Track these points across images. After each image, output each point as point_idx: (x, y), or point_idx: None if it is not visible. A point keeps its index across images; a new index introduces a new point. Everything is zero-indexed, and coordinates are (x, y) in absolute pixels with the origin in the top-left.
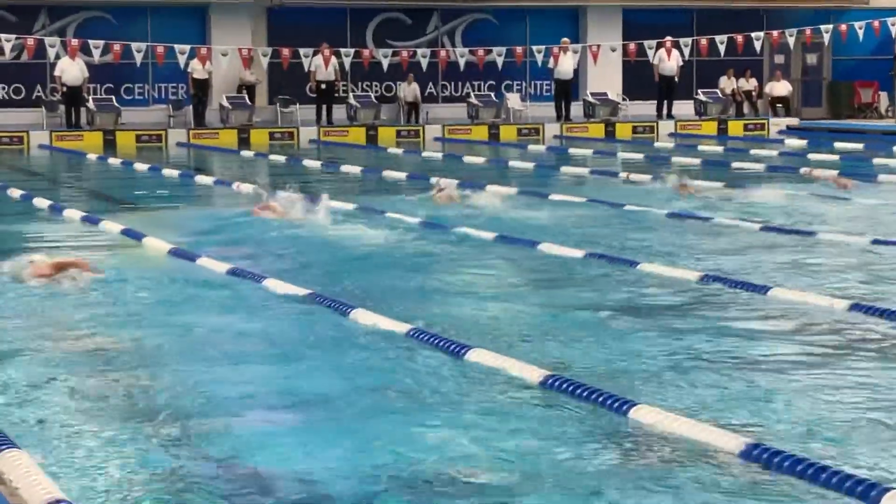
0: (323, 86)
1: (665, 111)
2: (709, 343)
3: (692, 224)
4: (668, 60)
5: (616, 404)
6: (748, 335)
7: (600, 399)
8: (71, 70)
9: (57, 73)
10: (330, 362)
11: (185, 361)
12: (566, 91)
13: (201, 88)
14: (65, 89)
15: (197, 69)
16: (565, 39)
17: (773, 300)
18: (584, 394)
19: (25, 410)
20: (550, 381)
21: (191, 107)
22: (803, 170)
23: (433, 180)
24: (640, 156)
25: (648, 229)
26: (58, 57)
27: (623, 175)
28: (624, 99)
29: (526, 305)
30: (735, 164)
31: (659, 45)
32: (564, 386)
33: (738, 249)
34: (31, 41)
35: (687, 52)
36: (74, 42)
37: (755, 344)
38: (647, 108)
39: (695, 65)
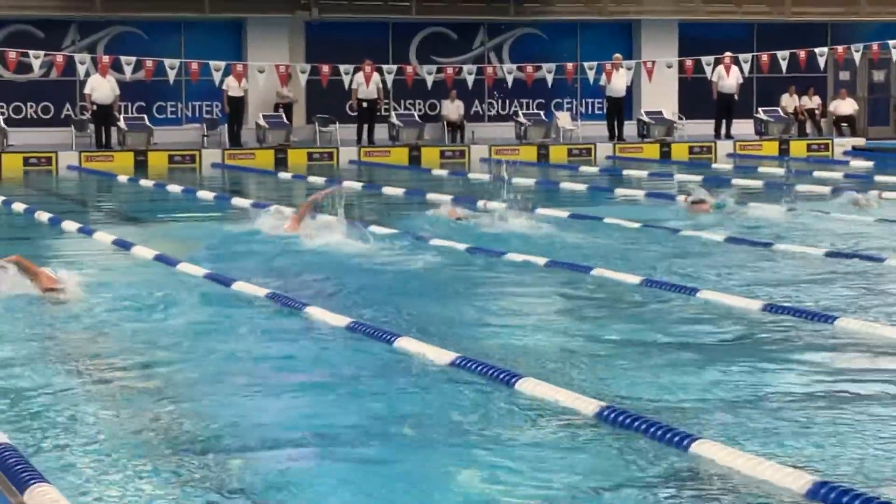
0: (365, 104)
1: (724, 131)
2: (771, 376)
3: (752, 250)
4: (727, 77)
5: (676, 438)
6: (812, 368)
7: (659, 433)
8: (101, 88)
9: (87, 91)
10: (373, 393)
11: (222, 391)
12: (619, 110)
13: (236, 107)
14: (94, 108)
15: (232, 86)
16: (617, 56)
17: (840, 331)
18: (643, 427)
19: (54, 442)
20: (606, 412)
21: (226, 126)
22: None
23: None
24: (697, 177)
25: (707, 255)
26: (88, 74)
27: (682, 198)
28: (680, 118)
29: (579, 333)
30: (798, 187)
31: (717, 61)
32: (621, 418)
33: (802, 277)
34: (60, 58)
35: (747, 68)
36: (105, 59)
37: (820, 377)
38: (703, 127)
39: (755, 82)
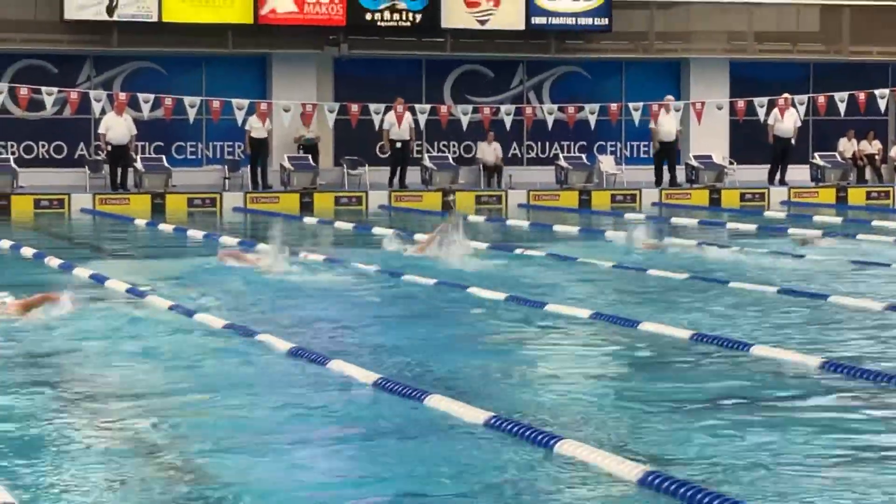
0: (398, 145)
1: (778, 177)
2: (827, 438)
3: (807, 303)
4: (783, 120)
5: None
6: (872, 428)
7: (707, 500)
8: (117, 127)
9: (101, 130)
10: (402, 454)
11: (242, 447)
12: (669, 153)
13: (259, 148)
14: (109, 148)
15: (255, 126)
16: (669, 97)
17: None
18: (689, 493)
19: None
20: (650, 478)
21: (247, 168)
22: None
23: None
24: (750, 226)
25: (758, 307)
26: (103, 112)
27: (735, 249)
28: (731, 162)
29: (623, 392)
30: (857, 236)
31: (771, 103)
32: (666, 484)
33: (862, 332)
34: (74, 94)
35: (802, 110)
36: (122, 96)
37: (880, 439)
38: (756, 173)
39: (811, 125)
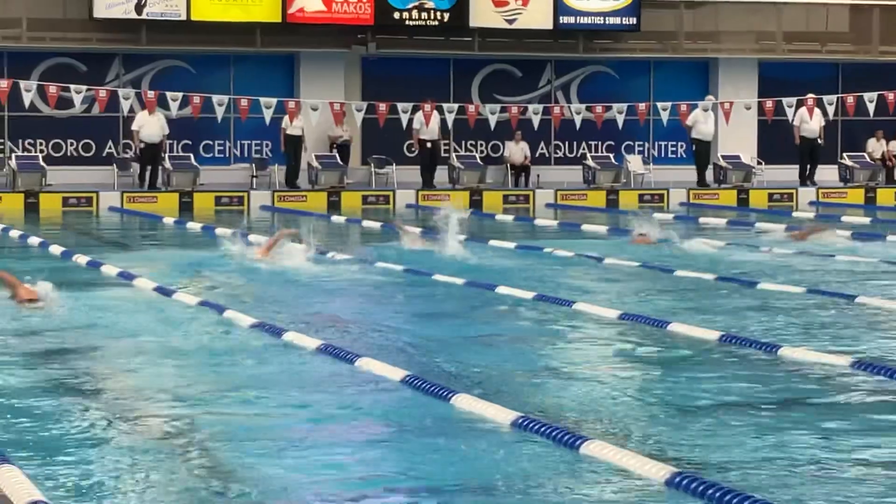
0: (428, 144)
1: (807, 177)
2: (857, 438)
3: (837, 303)
4: (810, 120)
5: None
6: None
7: (735, 501)
8: (150, 125)
9: (134, 128)
10: (429, 453)
11: (269, 445)
12: (706, 154)
13: (294, 146)
14: (142, 146)
15: (291, 124)
16: (710, 97)
17: None
18: (717, 494)
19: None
20: (678, 479)
21: (276, 166)
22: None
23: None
24: (778, 226)
25: (788, 308)
26: (132, 110)
27: (765, 250)
28: (759, 162)
29: (650, 392)
30: (887, 237)
31: (799, 103)
32: (694, 485)
33: (891, 332)
34: (102, 93)
35: (831, 110)
36: (150, 94)
37: None
38: (784, 173)
39: (839, 125)
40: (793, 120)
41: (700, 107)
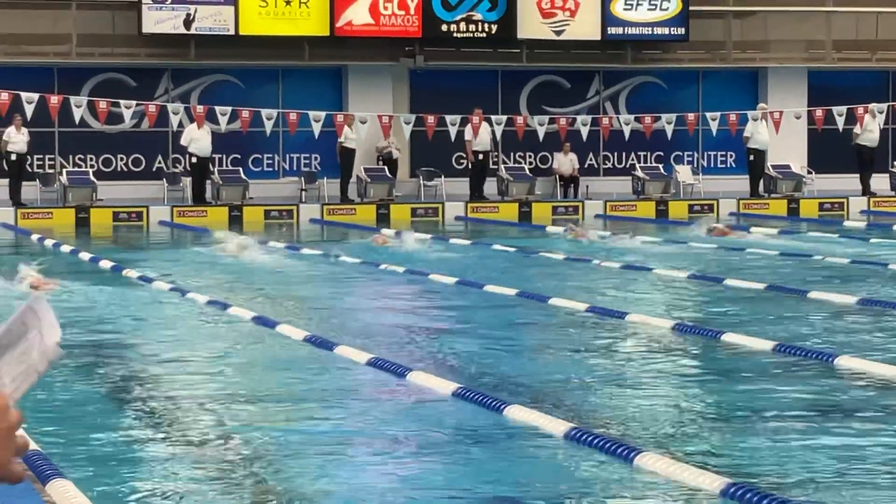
0: (480, 156)
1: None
2: None
3: (890, 312)
4: (869, 130)
5: None
6: None
7: None
8: (201, 139)
9: (184, 142)
10: (482, 464)
11: (320, 457)
12: (762, 163)
13: (348, 159)
14: (193, 160)
15: (349, 137)
16: (763, 105)
17: None
18: None
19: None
20: (732, 489)
21: (323, 180)
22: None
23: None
24: (831, 236)
25: (841, 318)
26: (181, 125)
27: (819, 257)
28: (809, 172)
29: (704, 403)
30: None
31: (850, 112)
32: (748, 496)
33: None
34: (152, 108)
35: (882, 119)
36: (199, 108)
37: None
38: (834, 182)
39: (890, 133)
40: (855, 129)
41: (750, 116)
